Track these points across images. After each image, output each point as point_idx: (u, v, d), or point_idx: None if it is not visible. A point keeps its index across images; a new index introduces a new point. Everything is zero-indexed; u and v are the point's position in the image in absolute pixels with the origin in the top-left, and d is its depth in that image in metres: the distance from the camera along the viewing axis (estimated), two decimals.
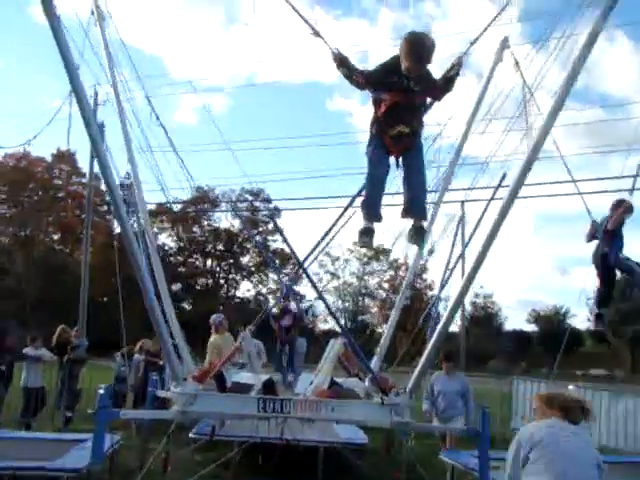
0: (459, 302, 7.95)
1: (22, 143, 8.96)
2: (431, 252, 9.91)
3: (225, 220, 66.39)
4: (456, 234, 10.24)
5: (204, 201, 59.50)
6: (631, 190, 8.95)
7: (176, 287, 55.82)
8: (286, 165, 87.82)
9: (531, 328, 71.42)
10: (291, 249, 9.73)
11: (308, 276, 9.41)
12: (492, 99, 9.65)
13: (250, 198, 59.41)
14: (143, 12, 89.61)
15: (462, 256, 10.09)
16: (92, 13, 9.95)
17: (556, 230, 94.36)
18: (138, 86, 10.31)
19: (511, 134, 9.22)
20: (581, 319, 73.80)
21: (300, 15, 6.58)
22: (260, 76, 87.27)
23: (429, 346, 7.96)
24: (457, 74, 6.40)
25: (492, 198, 9.06)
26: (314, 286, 10.12)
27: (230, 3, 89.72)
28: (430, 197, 9.88)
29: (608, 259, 8.75)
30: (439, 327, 7.90)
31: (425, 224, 6.40)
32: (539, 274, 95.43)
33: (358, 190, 7.97)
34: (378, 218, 6.14)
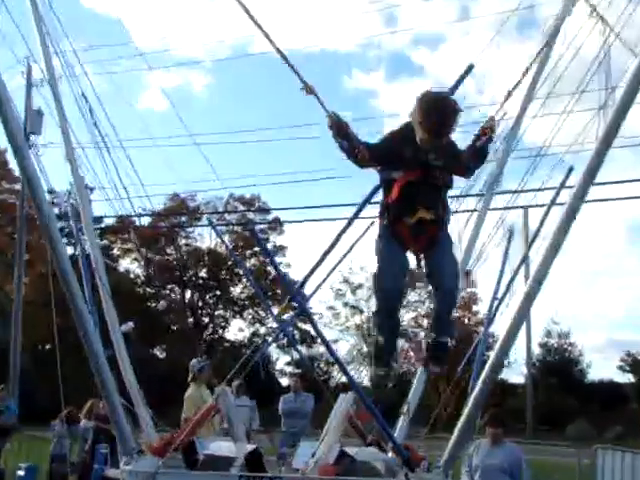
0: (510, 341, 7.87)
1: None
2: (467, 273, 9.86)
3: (209, 238, 66.07)
4: (506, 251, 10.21)
5: (181, 213, 59.58)
6: None
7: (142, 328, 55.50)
8: (289, 164, 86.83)
9: (626, 378, 70.05)
10: (278, 272, 9.75)
11: (303, 310, 9.35)
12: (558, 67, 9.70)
13: (241, 207, 59.39)
14: None
15: (512, 280, 9.93)
16: None
17: None
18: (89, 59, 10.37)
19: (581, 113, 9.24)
20: None
21: (293, 69, 6.69)
22: (252, 46, 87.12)
23: (470, 402, 7.93)
24: (490, 141, 6.64)
25: (553, 202, 9.04)
26: (311, 322, 9.99)
27: None
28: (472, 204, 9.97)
29: None
30: (483, 375, 7.87)
31: (449, 340, 6.26)
32: (637, 305, 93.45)
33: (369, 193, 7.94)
34: (394, 358, 6.09)
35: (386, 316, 5.92)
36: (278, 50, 6.81)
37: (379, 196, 6.97)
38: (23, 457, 8.59)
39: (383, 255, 6.06)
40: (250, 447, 8.66)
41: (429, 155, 5.89)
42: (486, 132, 6.51)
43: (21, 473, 6.64)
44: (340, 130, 6.08)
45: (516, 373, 61.74)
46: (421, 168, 5.85)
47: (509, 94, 6.86)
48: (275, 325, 11.36)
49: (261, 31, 6.77)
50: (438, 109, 5.71)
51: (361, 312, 66.77)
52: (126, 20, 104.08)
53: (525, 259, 9.63)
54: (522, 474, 10.05)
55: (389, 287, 5.94)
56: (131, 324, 9.87)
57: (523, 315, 7.70)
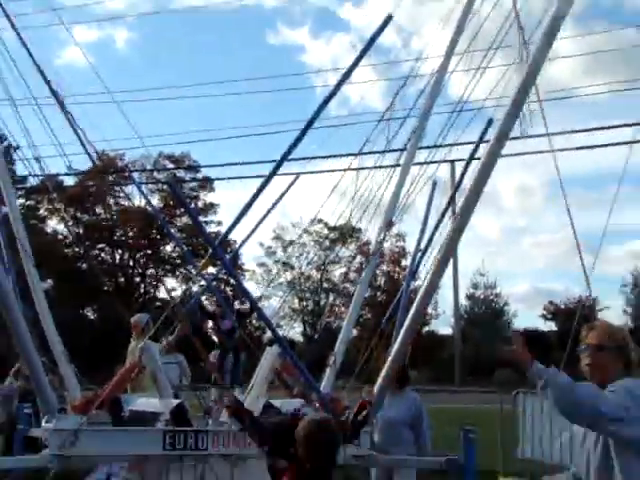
0: (431, 290, 7.94)
1: None
2: (389, 224, 9.87)
3: (139, 197, 65.43)
4: (429, 202, 10.23)
5: (109, 171, 59.01)
6: None
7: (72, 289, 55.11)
8: (216, 121, 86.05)
9: (549, 326, 71.10)
10: (200, 228, 9.64)
11: (224, 263, 9.28)
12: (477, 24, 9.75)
13: (171, 165, 58.99)
14: None
15: (435, 230, 9.91)
16: None
17: (579, 197, 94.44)
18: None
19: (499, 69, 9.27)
20: (616, 312, 74.41)
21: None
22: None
23: (393, 351, 7.96)
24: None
25: (472, 157, 9.08)
26: (233, 276, 9.90)
27: None
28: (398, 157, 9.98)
29: None
30: (405, 325, 7.92)
31: None
32: (558, 256, 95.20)
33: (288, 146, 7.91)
34: None
35: None
36: None
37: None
38: None
39: None
40: (175, 402, 8.60)
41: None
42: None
43: None
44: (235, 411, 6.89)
45: (444, 324, 62.52)
46: (299, 469, 5.52)
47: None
48: (203, 282, 11.24)
49: None
50: (320, 444, 5.45)
51: (292, 268, 66.83)
52: None
53: (446, 210, 9.62)
54: (421, 424, 9.78)
55: None
56: (50, 282, 9.77)
57: (445, 264, 7.77)
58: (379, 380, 8.02)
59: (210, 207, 64.09)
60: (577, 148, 18.13)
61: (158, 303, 64.24)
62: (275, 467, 5.83)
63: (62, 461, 7.38)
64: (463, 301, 64.35)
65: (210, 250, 9.38)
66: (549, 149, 7.49)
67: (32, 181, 30.84)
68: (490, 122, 8.74)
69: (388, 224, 9.78)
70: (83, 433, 7.41)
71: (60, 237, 66.04)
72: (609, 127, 18.15)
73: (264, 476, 10.48)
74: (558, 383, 4.72)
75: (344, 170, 9.81)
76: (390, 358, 7.97)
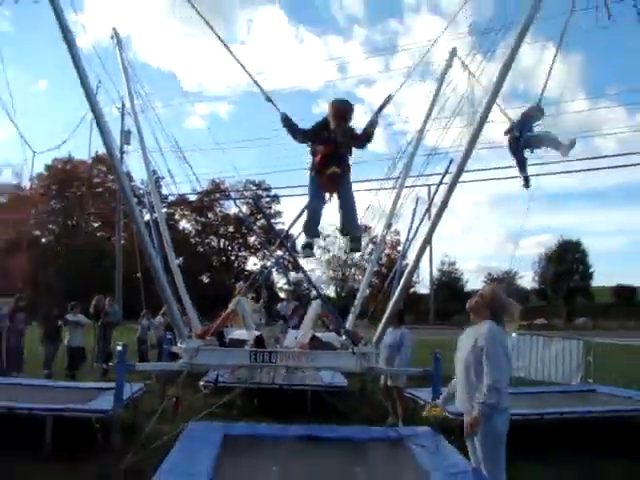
0: (416, 263, 8.05)
1: (51, 148, 8.86)
2: (389, 226, 9.91)
3: (234, 207, 66.35)
4: (414, 211, 10.23)
5: (216, 191, 59.52)
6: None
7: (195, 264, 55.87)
8: (283, 160, 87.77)
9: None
10: (270, 225, 9.75)
11: (287, 249, 9.36)
12: (446, 99, 9.83)
13: (253, 188, 59.09)
14: (154, 32, 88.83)
15: (417, 230, 9.93)
16: (111, 37, 9.98)
17: (505, 209, 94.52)
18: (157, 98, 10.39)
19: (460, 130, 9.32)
20: (527, 280, 74.51)
21: (256, 82, 7.09)
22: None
23: (391, 303, 8.02)
24: (374, 129, 6.70)
25: (441, 182, 9.05)
26: (292, 257, 9.96)
27: (228, 25, 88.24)
28: (394, 183, 10.03)
29: (520, 141, 8.81)
30: (399, 288, 7.97)
31: (360, 234, 6.54)
32: (495, 245, 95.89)
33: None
34: (316, 235, 6.56)
35: (311, 216, 6.44)
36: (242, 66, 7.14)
37: None
38: (125, 340, 8.62)
39: (311, 190, 6.46)
40: (257, 333, 8.67)
41: (337, 136, 6.20)
42: (371, 123, 6.73)
43: (119, 348, 6.69)
44: (287, 122, 6.44)
45: (423, 287, 62.45)
46: (333, 143, 6.17)
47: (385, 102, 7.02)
48: (273, 260, 11.29)
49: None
50: (343, 106, 6.22)
51: (328, 252, 66.96)
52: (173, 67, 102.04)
53: (424, 215, 9.62)
54: (403, 346, 9.69)
55: (313, 204, 6.44)
56: (180, 258, 9.87)
57: (423, 250, 7.85)
58: (382, 321, 8.07)
59: (277, 214, 64.23)
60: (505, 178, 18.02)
61: (246, 273, 64.65)
62: (315, 150, 6.32)
63: (190, 367, 7.48)
64: (435, 272, 64.33)
65: (278, 240, 9.50)
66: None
67: (171, 198, 31.13)
68: (451, 161, 8.71)
69: (388, 225, 9.86)
70: (201, 351, 7.52)
71: (187, 232, 66.96)
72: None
73: (312, 376, 10.63)
74: (493, 404, 4.90)
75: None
76: (389, 308, 8.01)
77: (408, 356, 9.79)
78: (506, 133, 9.05)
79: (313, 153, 6.41)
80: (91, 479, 6.61)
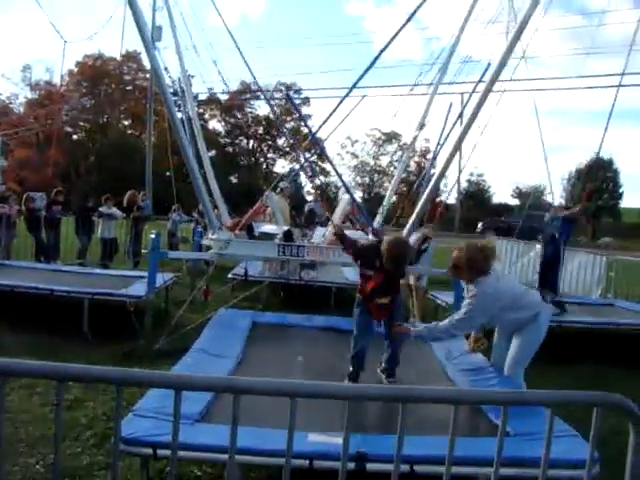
0: (444, 170, 7.95)
1: (84, 38, 8.87)
2: (422, 126, 9.84)
3: (264, 108, 65.42)
4: (446, 118, 10.12)
5: (247, 92, 58.88)
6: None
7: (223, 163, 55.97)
8: (315, 61, 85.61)
9: (515, 202, 70.69)
10: (306, 125, 9.73)
11: (321, 149, 9.38)
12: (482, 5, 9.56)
13: (284, 89, 58.25)
14: None
15: (448, 136, 9.83)
16: None
17: (541, 123, 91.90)
18: None
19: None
20: (556, 196, 73.52)
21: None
22: None
23: (417, 207, 8.07)
24: (425, 249, 6.82)
25: (474, 90, 8.89)
26: (325, 156, 9.99)
27: None
28: (427, 88, 9.89)
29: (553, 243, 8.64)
30: (426, 192, 8.00)
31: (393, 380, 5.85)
32: (525, 160, 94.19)
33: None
34: (362, 370, 5.92)
35: (356, 354, 5.75)
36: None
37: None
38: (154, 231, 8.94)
39: (359, 321, 5.93)
40: (285, 228, 8.84)
41: (390, 269, 5.62)
42: (425, 241, 6.82)
43: (152, 236, 6.90)
44: (340, 236, 6.27)
45: (452, 197, 62.09)
46: (384, 273, 5.64)
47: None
48: (302, 160, 11.34)
49: None
50: (396, 256, 5.50)
51: (357, 157, 66.68)
52: None
53: (456, 122, 9.50)
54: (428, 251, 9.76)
55: (360, 338, 5.80)
56: (213, 152, 10.03)
57: (452, 156, 7.78)
58: (408, 225, 8.16)
59: (308, 116, 63.48)
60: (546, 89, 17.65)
61: (274, 175, 64.72)
62: (365, 274, 5.82)
63: (220, 257, 7.71)
64: (464, 183, 63.81)
65: (309, 137, 9.51)
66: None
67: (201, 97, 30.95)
68: (488, 66, 8.53)
69: (421, 127, 9.78)
70: (232, 242, 7.72)
71: (217, 132, 66.70)
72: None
73: (333, 274, 10.83)
74: (435, 337, 5.27)
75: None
76: (415, 213, 8.07)
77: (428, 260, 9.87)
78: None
79: (362, 275, 5.98)
80: (126, 359, 6.91)
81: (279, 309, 9.64)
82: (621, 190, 69.02)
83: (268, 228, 9.99)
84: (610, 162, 67.99)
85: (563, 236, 8.86)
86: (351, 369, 5.72)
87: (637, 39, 9.42)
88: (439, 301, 9.69)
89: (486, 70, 8.66)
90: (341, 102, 8.66)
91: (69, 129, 59.57)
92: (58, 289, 8.34)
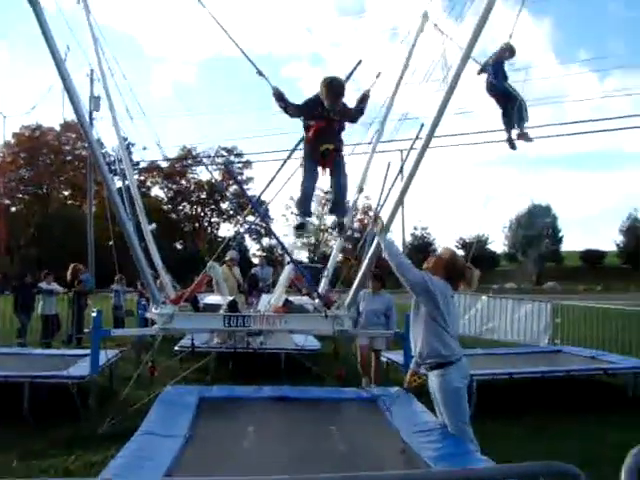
0: (387, 227, 7.96)
1: (25, 112, 8.81)
2: (361, 189, 9.94)
3: (206, 173, 66.00)
4: (385, 177, 10.23)
5: (188, 158, 59.15)
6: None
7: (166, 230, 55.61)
8: (254, 124, 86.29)
9: (460, 253, 71.83)
10: (245, 194, 9.76)
11: (259, 213, 9.38)
12: (416, 64, 9.76)
13: (225, 154, 58.63)
14: None
15: (387, 195, 9.93)
16: (78, 1, 9.72)
17: (478, 174, 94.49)
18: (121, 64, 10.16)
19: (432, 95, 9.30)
20: (498, 244, 75.40)
21: (247, 57, 7.05)
22: (225, 50, 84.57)
23: (362, 267, 8.08)
24: (366, 103, 6.89)
25: (412, 147, 9.03)
26: (265, 221, 9.98)
27: None
28: (366, 148, 10.04)
29: (496, 86, 8.73)
30: (370, 251, 8.03)
31: (345, 220, 6.80)
32: (466, 211, 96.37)
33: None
34: (309, 214, 6.67)
35: (305, 194, 6.49)
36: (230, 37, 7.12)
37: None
38: (96, 307, 8.73)
39: (305, 167, 6.51)
40: (230, 298, 8.73)
41: (330, 112, 6.24)
42: (363, 98, 6.90)
43: (93, 314, 6.78)
44: (279, 97, 6.43)
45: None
46: (325, 119, 6.22)
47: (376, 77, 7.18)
48: (246, 226, 11.31)
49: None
50: (334, 86, 6.13)
51: None
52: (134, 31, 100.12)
53: (395, 180, 9.62)
54: (392, 314, 9.80)
55: (307, 184, 6.44)
56: (154, 225, 9.83)
57: (394, 212, 7.85)
58: (354, 285, 8.16)
59: (249, 179, 63.85)
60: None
61: (218, 240, 64.54)
62: (308, 125, 6.38)
63: (164, 332, 7.55)
64: (408, 237, 64.75)
65: (250, 205, 9.50)
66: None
67: (143, 164, 30.95)
68: (422, 126, 8.69)
69: (360, 189, 9.91)
70: (176, 316, 7.58)
71: (159, 199, 66.57)
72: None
73: (282, 340, 10.71)
74: (387, 249, 5.27)
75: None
76: (360, 271, 8.08)
77: (394, 321, 9.84)
78: (479, 73, 8.92)
79: (306, 128, 6.44)
80: (69, 444, 6.65)
81: (229, 380, 9.45)
82: (561, 234, 71.19)
83: (212, 299, 9.86)
84: (548, 208, 70.26)
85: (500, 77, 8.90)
86: (298, 219, 6.63)
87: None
88: (387, 360, 9.70)
89: (421, 129, 8.82)
90: (281, 168, 8.71)
91: (7, 201, 58.56)
92: None
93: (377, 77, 7.22)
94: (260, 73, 6.84)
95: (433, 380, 5.13)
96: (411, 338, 5.41)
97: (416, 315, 5.23)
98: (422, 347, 5.15)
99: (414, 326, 5.28)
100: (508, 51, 8.50)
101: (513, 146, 8.51)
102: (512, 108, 8.32)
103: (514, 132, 8.50)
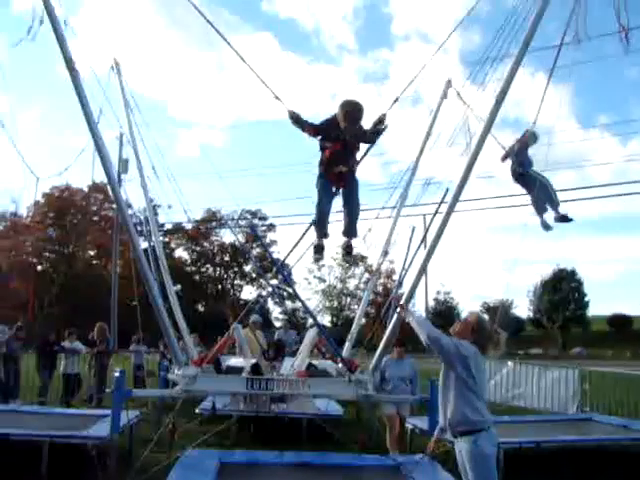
0: (411, 293, 7.97)
1: (54, 174, 8.96)
2: (386, 253, 9.94)
3: (230, 235, 66.62)
4: (410, 240, 10.25)
5: (212, 220, 59.76)
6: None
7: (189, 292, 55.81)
8: (278, 187, 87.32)
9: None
10: (269, 253, 9.81)
11: (284, 276, 9.37)
12: (440, 129, 9.89)
13: (249, 216, 59.27)
14: (149, 64, 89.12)
15: (412, 259, 9.92)
16: (112, 68, 10.03)
17: (500, 238, 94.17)
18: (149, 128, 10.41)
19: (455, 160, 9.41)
20: (523, 309, 74.47)
21: (264, 83, 7.01)
22: (251, 114, 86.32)
23: (387, 332, 8.01)
24: (383, 128, 6.88)
25: (437, 211, 9.06)
26: (290, 285, 9.93)
27: (219, 52, 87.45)
28: (390, 212, 10.09)
29: (522, 174, 8.69)
30: (395, 316, 7.97)
31: (353, 242, 6.75)
32: (490, 274, 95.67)
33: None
34: (326, 235, 6.65)
35: (320, 214, 6.50)
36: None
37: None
38: (117, 367, 8.74)
39: (320, 188, 6.54)
40: (253, 361, 8.69)
41: (347, 136, 6.32)
42: (380, 121, 6.89)
43: (116, 374, 6.81)
44: (296, 119, 6.53)
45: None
46: (342, 142, 6.32)
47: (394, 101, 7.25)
48: (269, 289, 11.32)
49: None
50: (354, 107, 6.25)
51: (324, 281, 67.10)
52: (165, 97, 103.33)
53: (420, 245, 9.61)
54: (416, 380, 9.51)
55: (322, 205, 6.49)
56: (179, 286, 9.90)
57: (418, 279, 7.85)
58: (379, 350, 8.08)
59: (273, 242, 64.28)
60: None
61: (241, 302, 64.61)
62: (324, 146, 6.46)
63: (186, 393, 7.49)
64: (431, 302, 64.26)
65: (274, 268, 9.53)
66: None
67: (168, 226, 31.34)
68: (447, 191, 8.73)
69: (385, 253, 9.90)
70: (198, 377, 7.53)
71: (183, 261, 67.15)
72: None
73: (307, 405, 10.56)
74: (416, 323, 5.36)
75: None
76: (385, 337, 8.01)
77: (418, 386, 9.60)
78: (503, 160, 9.03)
79: (322, 148, 6.53)
80: None
81: (250, 444, 9.31)
82: (586, 299, 70.06)
83: (235, 361, 9.82)
84: (573, 272, 69.42)
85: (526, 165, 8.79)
86: (316, 241, 6.60)
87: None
88: (411, 426, 9.48)
89: (445, 194, 8.85)
90: (306, 232, 8.72)
91: (34, 260, 59.32)
92: (14, 433, 7.95)
93: (394, 102, 7.25)
94: (277, 97, 6.88)
95: (463, 447, 5.01)
96: (439, 405, 5.31)
97: (446, 381, 5.15)
98: (452, 414, 5.06)
99: (443, 393, 5.19)
100: (532, 137, 8.64)
101: (547, 228, 8.52)
102: (540, 194, 8.38)
103: (549, 215, 8.54)
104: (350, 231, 6.74)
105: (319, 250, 6.74)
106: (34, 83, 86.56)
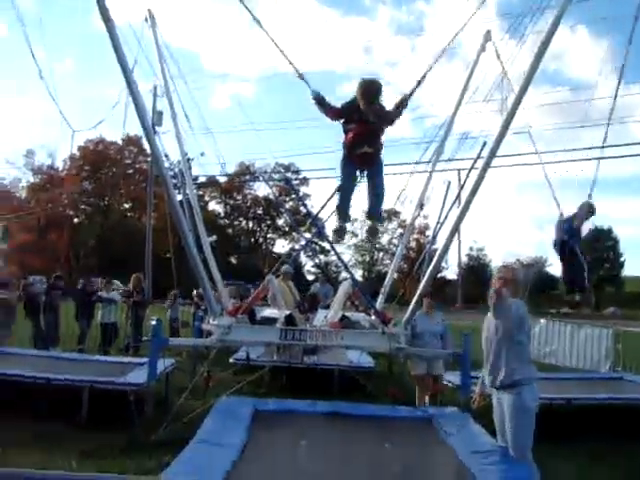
0: (446, 249, 8.00)
1: (91, 127, 9.06)
2: (421, 206, 9.88)
3: (264, 189, 66.44)
4: (445, 197, 10.17)
5: (246, 174, 59.78)
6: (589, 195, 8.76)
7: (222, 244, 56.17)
8: (310, 141, 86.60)
9: None
10: (305, 206, 9.78)
11: (318, 228, 9.36)
12: (477, 83, 9.71)
13: (282, 170, 59.04)
14: (182, 16, 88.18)
15: (447, 213, 9.83)
16: (146, 19, 9.97)
17: (533, 195, 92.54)
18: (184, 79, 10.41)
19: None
20: (555, 267, 73.67)
21: (288, 60, 7.00)
22: (282, 67, 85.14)
23: (421, 285, 8.03)
24: (405, 106, 6.86)
25: (472, 167, 8.95)
26: (326, 238, 9.89)
27: (251, 6, 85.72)
28: (425, 167, 9.99)
29: (567, 245, 8.64)
30: (429, 270, 7.98)
31: (378, 226, 6.75)
32: (523, 231, 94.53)
33: None
34: (347, 219, 6.68)
35: (343, 197, 6.62)
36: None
37: None
38: (154, 317, 8.96)
39: (343, 170, 6.64)
40: (287, 312, 8.77)
41: (369, 116, 6.34)
42: (402, 102, 6.85)
43: (153, 322, 6.99)
44: (319, 101, 6.58)
45: (451, 272, 62.00)
46: (364, 123, 6.33)
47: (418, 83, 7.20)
48: (303, 242, 11.37)
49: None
50: (369, 86, 6.31)
51: (356, 236, 67.01)
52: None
53: (455, 200, 9.54)
54: (446, 334, 9.30)
55: (345, 185, 6.62)
56: (214, 236, 9.97)
57: (453, 234, 7.80)
58: (412, 303, 8.10)
59: (306, 196, 64.17)
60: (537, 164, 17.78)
61: (274, 255, 64.99)
62: (347, 129, 6.51)
63: (220, 343, 7.62)
64: (464, 258, 63.92)
65: (308, 221, 9.55)
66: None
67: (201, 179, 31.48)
68: (484, 144, 8.60)
69: (420, 206, 9.84)
70: (233, 327, 7.64)
71: (217, 213, 67.59)
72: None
73: (336, 357, 10.66)
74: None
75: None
76: (418, 291, 8.03)
77: (449, 340, 9.45)
78: (555, 246, 8.94)
79: (345, 131, 6.56)
80: (125, 449, 6.75)
81: (282, 393, 9.45)
82: (622, 259, 68.98)
83: (269, 312, 9.92)
84: (609, 231, 68.15)
85: (575, 240, 8.79)
86: (337, 224, 6.74)
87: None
88: (450, 384, 9.47)
89: (482, 148, 8.73)
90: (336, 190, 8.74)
91: (70, 212, 60.20)
92: (56, 377, 8.20)
93: (418, 83, 7.15)
94: (301, 76, 6.90)
95: (505, 398, 5.14)
96: (485, 358, 5.36)
97: (497, 336, 5.22)
98: (501, 367, 5.16)
99: (493, 347, 5.25)
100: (589, 211, 8.50)
101: (573, 307, 8.57)
102: (573, 273, 8.35)
103: (575, 297, 8.56)
104: (374, 213, 6.79)
105: (340, 233, 6.78)
106: (66, 35, 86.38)
